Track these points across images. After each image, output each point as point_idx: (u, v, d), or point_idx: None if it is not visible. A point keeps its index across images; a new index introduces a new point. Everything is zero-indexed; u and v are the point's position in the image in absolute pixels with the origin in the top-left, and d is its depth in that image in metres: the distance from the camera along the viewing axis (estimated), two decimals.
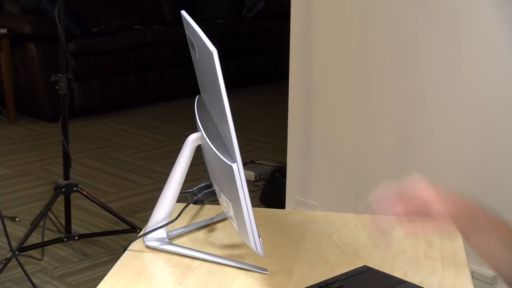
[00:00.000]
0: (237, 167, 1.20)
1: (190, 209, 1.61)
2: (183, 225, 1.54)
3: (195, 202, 1.54)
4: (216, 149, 1.26)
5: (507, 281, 1.19)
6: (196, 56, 1.34)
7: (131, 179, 4.27)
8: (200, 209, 1.63)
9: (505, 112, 2.54)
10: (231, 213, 1.32)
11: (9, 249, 2.83)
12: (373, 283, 1.24)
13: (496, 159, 2.59)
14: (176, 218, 1.45)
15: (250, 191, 1.23)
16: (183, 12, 1.37)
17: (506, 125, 2.54)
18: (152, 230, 1.44)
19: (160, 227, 1.44)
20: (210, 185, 1.50)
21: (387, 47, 2.84)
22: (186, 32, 1.38)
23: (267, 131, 5.18)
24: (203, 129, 1.35)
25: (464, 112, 2.63)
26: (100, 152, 4.76)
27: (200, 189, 1.51)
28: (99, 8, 5.92)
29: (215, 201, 1.50)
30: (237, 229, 1.32)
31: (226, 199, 1.33)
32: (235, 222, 1.31)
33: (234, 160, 1.20)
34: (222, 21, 6.40)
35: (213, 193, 1.47)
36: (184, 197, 1.58)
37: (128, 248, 1.45)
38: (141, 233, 1.47)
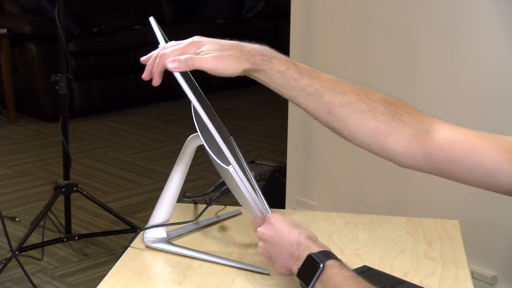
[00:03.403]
0: (233, 169, 1.19)
1: (190, 209, 1.61)
2: (183, 225, 1.54)
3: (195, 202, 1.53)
4: (212, 152, 1.24)
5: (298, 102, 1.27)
6: None
7: (131, 179, 4.27)
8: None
9: (504, 111, 2.54)
10: (246, 208, 1.32)
11: (9, 249, 2.83)
12: (373, 283, 1.23)
13: None
14: (196, 218, 1.48)
15: None
16: (151, 19, 1.34)
17: (504, 124, 2.53)
18: (175, 223, 1.44)
19: (180, 223, 1.47)
20: (223, 183, 1.49)
21: (387, 46, 2.84)
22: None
23: (267, 131, 5.18)
24: (200, 131, 1.34)
25: (462, 111, 2.63)
26: (100, 152, 4.76)
27: (217, 187, 1.51)
28: (99, 8, 5.91)
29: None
30: None
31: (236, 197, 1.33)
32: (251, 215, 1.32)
33: (228, 162, 1.19)
34: (222, 21, 6.40)
35: (229, 190, 1.47)
36: (185, 196, 1.58)
37: (130, 246, 1.45)
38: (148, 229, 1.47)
